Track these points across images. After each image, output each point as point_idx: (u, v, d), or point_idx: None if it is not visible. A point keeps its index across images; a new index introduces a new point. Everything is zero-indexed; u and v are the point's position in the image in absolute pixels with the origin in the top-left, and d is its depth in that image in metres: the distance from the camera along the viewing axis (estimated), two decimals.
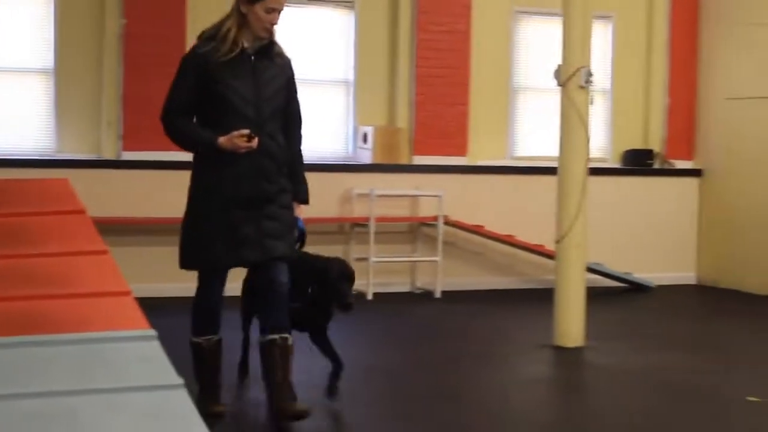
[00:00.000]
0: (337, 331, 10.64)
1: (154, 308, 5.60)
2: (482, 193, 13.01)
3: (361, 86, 12.86)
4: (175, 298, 11.62)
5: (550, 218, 9.78)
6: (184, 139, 6.67)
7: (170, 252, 11.92)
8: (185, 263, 6.75)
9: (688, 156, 14.24)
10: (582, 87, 9.38)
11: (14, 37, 11.99)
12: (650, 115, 14.20)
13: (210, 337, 6.82)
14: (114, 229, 11.14)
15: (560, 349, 9.46)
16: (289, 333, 6.67)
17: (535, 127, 13.53)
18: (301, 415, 6.58)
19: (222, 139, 6.35)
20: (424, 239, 12.93)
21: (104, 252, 7.02)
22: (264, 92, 6.51)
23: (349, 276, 7.08)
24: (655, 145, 14.18)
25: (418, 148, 12.99)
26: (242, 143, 6.32)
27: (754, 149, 13.30)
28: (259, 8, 6.33)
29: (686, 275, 14.11)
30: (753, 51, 13.35)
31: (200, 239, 6.57)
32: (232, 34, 6.38)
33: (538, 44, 13.46)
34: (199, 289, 6.82)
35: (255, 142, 6.34)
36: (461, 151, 13.06)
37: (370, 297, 12.05)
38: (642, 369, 8.95)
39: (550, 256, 11.15)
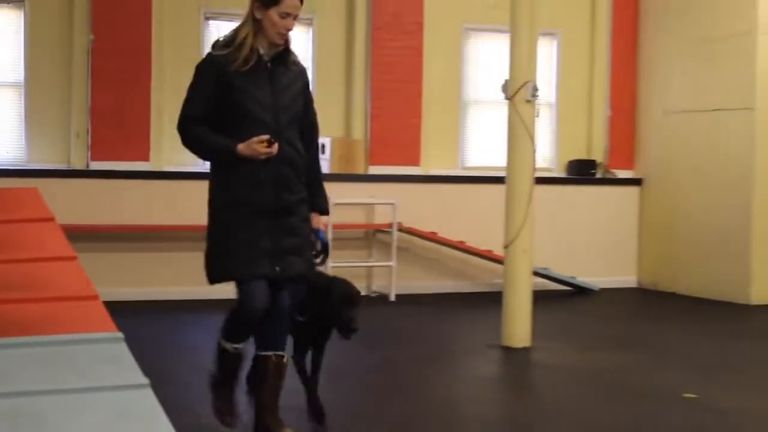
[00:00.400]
0: None
1: (120, 311, 5.57)
2: (435, 201, 13.03)
3: (321, 99, 12.82)
4: (141, 301, 11.60)
5: (499, 225, 9.79)
6: (202, 148, 6.27)
7: (135, 257, 11.98)
8: (210, 274, 6.29)
9: (629, 166, 14.30)
10: (528, 100, 9.40)
11: None
12: (593, 128, 14.26)
13: (237, 346, 6.30)
14: (82, 236, 11.07)
15: (508, 349, 9.48)
16: (285, 351, 6.32)
17: (485, 138, 13.56)
18: None
19: (241, 146, 5.94)
20: (380, 245, 12.94)
21: (73, 258, 6.97)
22: (281, 99, 6.11)
23: (353, 300, 6.45)
24: (598, 155, 14.24)
25: (373, 159, 12.99)
26: (262, 149, 5.90)
27: (689, 160, 13.38)
28: (273, 13, 5.94)
29: (627, 279, 14.17)
30: (688, 67, 13.43)
31: (225, 250, 6.13)
32: (249, 41, 6.01)
33: (487, 60, 13.50)
34: (239, 301, 6.22)
35: (275, 147, 5.93)
36: (415, 161, 13.08)
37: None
38: (585, 368, 8.97)
39: (499, 261, 11.16)
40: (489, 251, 12.65)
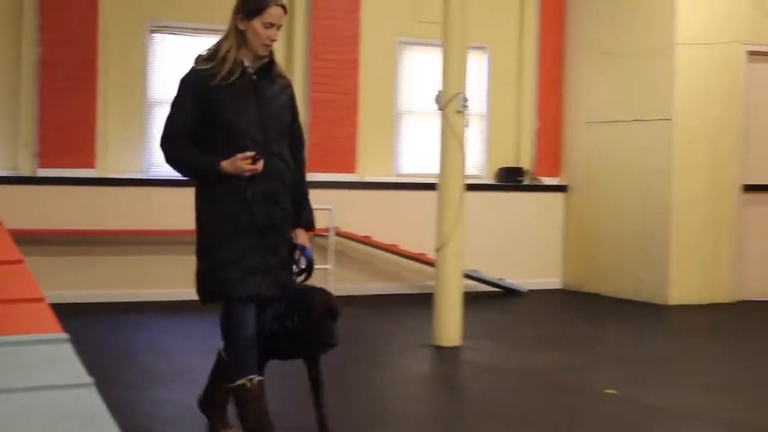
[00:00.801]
0: None
1: (66, 313, 5.52)
2: (370, 206, 13.02)
3: None
4: (87, 303, 11.51)
5: (431, 229, 9.80)
6: (185, 166, 5.80)
7: (80, 261, 11.89)
8: (201, 292, 5.85)
9: (555, 173, 14.38)
10: (459, 111, 9.43)
11: None
12: (521, 137, 14.32)
13: (252, 377, 5.68)
14: (30, 240, 10.97)
15: (439, 349, 9.50)
16: (261, 374, 5.82)
17: (418, 147, 13.57)
18: None
19: (225, 163, 5.54)
20: (317, 249, 12.84)
21: (20, 261, 6.90)
22: (269, 112, 5.72)
23: (333, 312, 5.89)
24: (525, 163, 14.30)
25: (311, 166, 12.92)
26: (246, 166, 5.52)
27: (611, 167, 13.48)
28: (257, 23, 5.59)
29: (553, 281, 14.24)
30: (610, 80, 13.53)
31: (214, 266, 5.70)
32: (232, 54, 5.64)
33: (420, 72, 13.53)
34: (228, 325, 5.81)
35: (260, 164, 5.53)
36: (351, 168, 13.06)
37: None
38: (513, 366, 9.01)
39: (431, 263, 11.18)
40: (421, 254, 12.66)
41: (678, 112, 12.64)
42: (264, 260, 5.66)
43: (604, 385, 8.12)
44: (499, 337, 10.34)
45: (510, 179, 14.05)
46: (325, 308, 5.85)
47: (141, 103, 12.42)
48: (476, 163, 13.87)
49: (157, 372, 8.42)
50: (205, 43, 12.36)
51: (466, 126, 9.64)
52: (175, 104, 5.79)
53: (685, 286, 12.74)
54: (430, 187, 10.01)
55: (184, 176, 6.01)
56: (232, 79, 5.60)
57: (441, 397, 8.05)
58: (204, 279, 5.81)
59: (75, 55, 11.98)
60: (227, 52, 5.66)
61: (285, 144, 5.82)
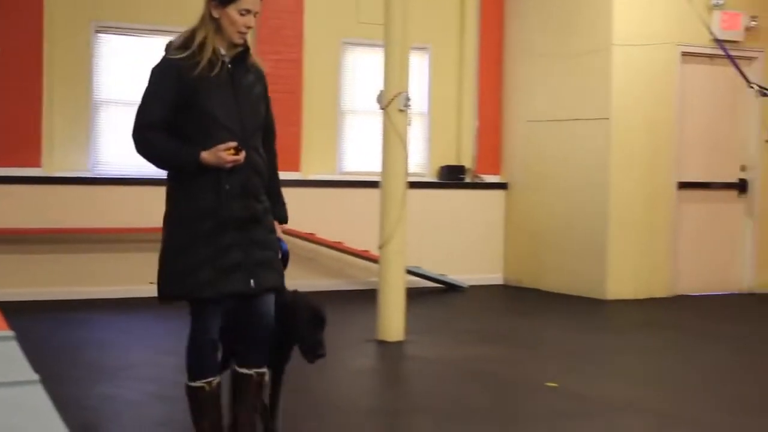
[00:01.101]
0: (179, 326, 10.55)
1: (12, 311, 5.46)
2: (314, 204, 12.98)
3: None
4: (34, 302, 11.40)
5: (375, 227, 9.80)
6: (161, 157, 5.38)
7: (26, 259, 11.77)
8: (165, 292, 5.43)
9: (495, 171, 14.43)
10: (401, 110, 9.43)
11: None
12: (462, 136, 14.35)
13: (211, 379, 5.40)
14: None
15: (383, 343, 9.50)
16: (267, 368, 5.60)
17: (361, 145, 13.56)
18: None
19: (205, 154, 5.17)
20: None
21: None
22: (245, 103, 5.38)
23: (321, 321, 5.56)
24: (467, 161, 14.33)
25: None
26: (229, 157, 5.17)
27: (551, 165, 13.54)
28: (232, 10, 5.22)
29: (494, 276, 14.29)
30: (549, 80, 13.59)
31: (185, 266, 5.27)
32: (210, 43, 5.25)
33: (363, 72, 13.52)
34: (192, 326, 5.41)
35: (242, 155, 5.21)
36: (295, 166, 12.99)
37: None
38: (455, 359, 9.02)
39: (374, 260, 11.17)
40: (365, 251, 12.66)
41: (615, 112, 12.72)
42: (248, 256, 5.30)
43: (544, 377, 8.15)
44: (441, 332, 10.36)
45: (451, 177, 14.08)
46: (311, 316, 5.56)
47: (86, 103, 12.31)
48: (418, 162, 13.89)
49: (102, 368, 8.35)
50: (149, 43, 12.43)
51: (409, 125, 9.64)
52: (149, 94, 5.36)
53: (623, 281, 12.83)
54: (373, 185, 10.02)
55: (159, 168, 5.53)
56: (215, 71, 5.25)
57: (385, 391, 8.04)
58: (172, 278, 5.37)
59: (20, 56, 11.87)
60: (204, 40, 5.28)
61: (260, 137, 5.51)
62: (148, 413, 6.98)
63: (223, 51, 5.32)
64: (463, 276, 13.73)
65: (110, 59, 12.46)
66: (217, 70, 5.27)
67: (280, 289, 5.53)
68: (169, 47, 5.40)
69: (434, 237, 13.59)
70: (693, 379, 8.45)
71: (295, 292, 5.76)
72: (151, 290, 12.76)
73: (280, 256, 5.55)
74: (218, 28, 5.28)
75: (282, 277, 5.51)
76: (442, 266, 13.60)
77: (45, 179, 11.94)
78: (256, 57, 5.59)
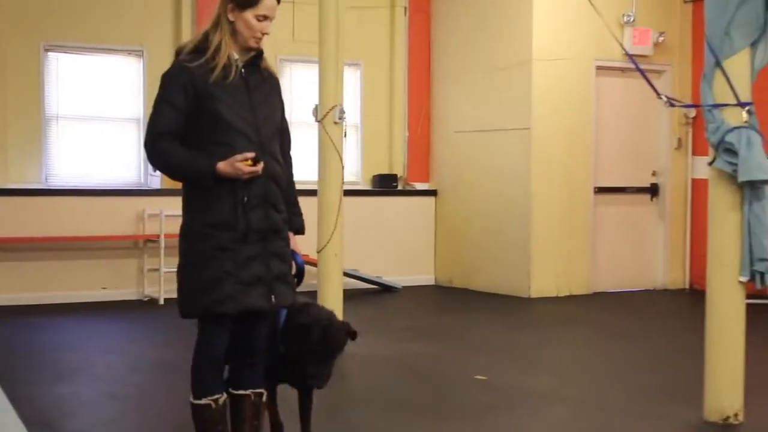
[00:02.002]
0: (131, 328, 10.47)
1: None
2: None
3: None
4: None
5: (313, 232, 9.78)
6: (175, 168, 4.90)
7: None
8: (187, 309, 4.89)
9: (425, 179, 14.45)
10: (336, 122, 9.40)
11: None
12: (394, 146, 14.36)
13: (217, 396, 4.97)
14: None
15: None
16: (263, 387, 5.19)
17: (299, 155, 13.47)
18: None
19: (221, 165, 4.72)
20: None
21: None
22: (261, 109, 4.94)
23: (336, 346, 5.24)
24: (399, 170, 14.34)
25: None
26: (246, 168, 4.73)
27: (477, 173, 13.58)
28: (249, 15, 4.83)
29: (426, 277, 14.30)
30: (475, 92, 13.64)
31: (205, 280, 4.79)
32: (224, 48, 4.83)
33: (299, 86, 13.48)
34: (201, 342, 4.95)
35: (260, 166, 4.76)
36: None
37: (161, 302, 11.87)
38: (392, 356, 9.03)
39: (313, 263, 11.12)
40: (305, 255, 12.58)
41: (535, 122, 12.79)
42: (268, 269, 4.89)
43: (473, 371, 8.19)
44: (378, 330, 10.35)
45: (384, 185, 14.08)
46: (325, 338, 5.19)
47: (38, 118, 12.19)
48: (353, 171, 13.88)
49: (58, 369, 8.26)
50: (96, 60, 12.34)
51: (343, 136, 9.63)
52: (161, 101, 4.88)
53: (545, 280, 12.90)
54: (311, 193, 9.99)
55: (172, 179, 5.06)
56: (231, 78, 4.84)
57: (328, 388, 8.04)
58: (192, 295, 4.87)
59: None
60: (219, 44, 4.86)
61: (277, 144, 5.05)
62: (102, 411, 6.92)
63: (236, 55, 4.91)
64: (397, 277, 13.73)
65: (60, 76, 12.37)
66: (231, 75, 4.86)
67: (293, 306, 5.19)
68: (180, 52, 4.96)
69: (369, 241, 13.58)
70: (607, 370, 8.54)
71: (311, 307, 5.41)
72: (103, 294, 12.68)
73: (294, 270, 5.14)
74: (233, 32, 4.88)
75: (294, 292, 5.11)
76: (378, 269, 13.59)
77: (0, 191, 11.80)
78: (269, 61, 5.13)
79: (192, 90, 4.81)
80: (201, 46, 4.88)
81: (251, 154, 4.75)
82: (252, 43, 4.90)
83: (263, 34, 4.90)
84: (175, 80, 4.86)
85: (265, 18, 4.88)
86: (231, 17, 4.86)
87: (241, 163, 4.73)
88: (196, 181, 4.83)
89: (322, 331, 5.22)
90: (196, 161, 4.79)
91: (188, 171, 4.85)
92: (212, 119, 4.81)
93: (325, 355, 5.22)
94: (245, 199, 4.82)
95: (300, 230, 5.21)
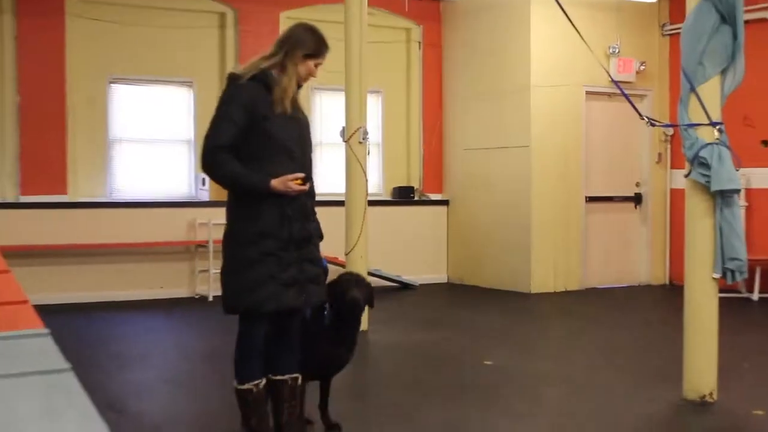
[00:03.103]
0: (184, 322, 10.48)
1: (47, 313, 5.42)
2: None
3: (201, 143, 12.67)
4: (62, 304, 11.32)
5: (341, 237, 9.80)
6: (233, 180, 4.90)
7: (57, 270, 11.69)
8: (231, 306, 4.97)
9: (438, 190, 14.45)
10: (360, 142, 9.43)
11: None
12: (411, 162, 14.37)
13: (258, 381, 5.04)
14: (14, 254, 10.76)
15: None
16: (297, 372, 5.23)
17: (329, 171, 13.53)
18: None
19: (275, 182, 4.80)
20: None
21: (6, 271, 6.77)
22: (303, 134, 5.08)
23: (362, 279, 5.59)
24: (415, 182, 14.35)
25: None
26: (296, 186, 4.84)
27: (483, 185, 13.58)
28: (311, 62, 5.01)
29: (440, 276, 14.28)
30: (481, 115, 13.63)
31: (249, 281, 4.86)
32: (288, 84, 4.97)
33: (329, 111, 13.49)
34: (243, 334, 5.03)
35: (308, 186, 4.93)
36: None
37: (210, 299, 11.89)
38: (410, 344, 9.02)
39: (342, 264, 11.15)
40: (335, 257, 12.61)
41: (533, 140, 12.78)
42: (301, 272, 4.96)
43: (483, 357, 8.18)
44: (398, 322, 10.36)
45: (403, 196, 14.09)
46: (353, 278, 5.50)
47: (103, 141, 12.27)
48: (375, 183, 13.89)
49: (123, 358, 8.30)
50: (153, 91, 12.41)
51: (367, 154, 9.65)
52: (222, 118, 4.90)
53: (543, 277, 12.87)
54: (339, 203, 10.02)
55: (225, 188, 5.05)
56: (284, 106, 4.93)
57: (353, 371, 8.01)
58: (237, 293, 4.92)
59: (48, 103, 11.84)
60: (290, 82, 4.98)
61: (312, 163, 5.21)
62: (160, 395, 6.95)
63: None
64: (415, 276, 13.72)
65: (122, 105, 12.45)
66: (285, 105, 4.95)
67: (322, 303, 5.26)
68: (237, 77, 4.97)
69: (390, 244, 13.59)
70: (597, 355, 8.51)
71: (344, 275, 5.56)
72: (160, 293, 12.72)
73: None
74: (292, 71, 4.99)
75: (323, 290, 5.19)
76: (397, 268, 13.59)
77: (70, 204, 11.88)
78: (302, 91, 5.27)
79: (251, 111, 4.86)
80: (259, 77, 4.94)
81: (301, 175, 4.88)
82: (303, 82, 5.08)
83: (314, 75, 5.12)
84: (239, 100, 4.89)
85: (320, 65, 5.09)
86: (297, 61, 4.98)
87: (292, 182, 4.83)
88: (248, 192, 4.88)
89: (350, 275, 5.63)
90: (252, 176, 4.84)
91: (244, 183, 4.87)
92: (265, 137, 4.88)
93: (359, 283, 5.44)
94: (289, 213, 4.90)
95: (321, 236, 5.23)
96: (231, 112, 4.88)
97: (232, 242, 4.97)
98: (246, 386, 5.03)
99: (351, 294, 5.30)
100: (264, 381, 5.09)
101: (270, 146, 4.89)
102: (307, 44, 5.03)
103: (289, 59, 4.99)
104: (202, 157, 4.95)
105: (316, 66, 5.07)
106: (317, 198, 5.29)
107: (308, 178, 4.95)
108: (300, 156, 5.01)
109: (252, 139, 4.88)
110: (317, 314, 5.43)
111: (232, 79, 5.00)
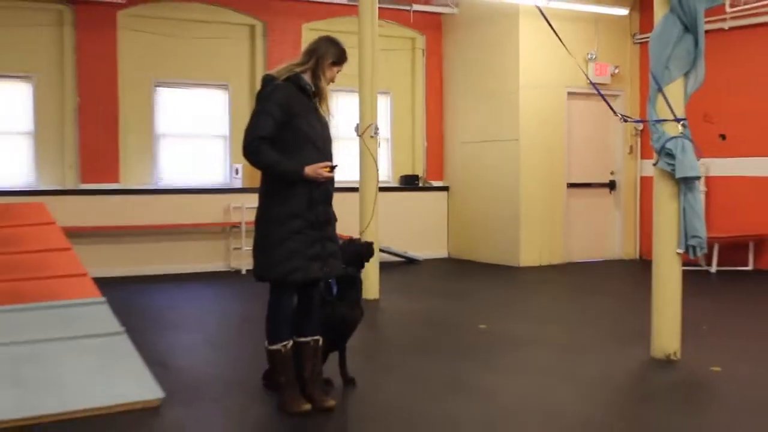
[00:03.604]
0: (220, 291, 10.49)
1: (104, 284, 5.45)
2: None
3: (235, 138, 12.71)
4: (117, 277, 11.35)
5: (356, 219, 9.81)
6: (272, 166, 4.93)
7: (112, 248, 11.72)
8: (263, 274, 5.03)
9: (440, 178, 14.42)
10: (372, 136, 9.42)
11: (8, 111, 11.60)
12: (415, 153, 14.34)
13: (286, 342, 5.11)
14: (75, 234, 10.79)
15: (364, 300, 9.46)
16: (320, 335, 5.29)
17: (344, 161, 13.45)
18: (329, 409, 5.14)
19: (308, 169, 4.91)
20: None
21: (69, 248, 6.76)
22: (325, 129, 5.19)
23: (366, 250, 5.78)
24: (419, 171, 14.33)
25: None
26: (325, 173, 4.96)
27: (478, 173, 13.55)
28: (336, 68, 5.19)
29: (441, 252, 14.27)
30: (477, 112, 13.60)
31: (280, 255, 4.94)
32: (322, 85, 5.16)
33: (345, 110, 13.45)
34: (273, 302, 5.11)
35: (335, 173, 5.09)
36: None
37: (243, 272, 11.90)
38: (416, 311, 9.02)
39: None
40: (350, 237, 12.61)
41: (522, 135, 12.74)
42: (324, 248, 5.05)
43: (478, 322, 8.18)
44: (405, 292, 10.36)
45: (409, 183, 14.07)
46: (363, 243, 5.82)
47: (150, 136, 12.27)
48: (385, 172, 13.87)
49: (168, 322, 8.32)
50: (193, 93, 12.39)
51: (378, 147, 9.64)
52: (262, 113, 4.95)
53: (531, 253, 12.86)
54: (354, 190, 10.00)
55: (264, 172, 5.05)
56: (311, 104, 5.11)
57: (366, 335, 8.02)
58: (268, 265, 4.99)
59: (103, 103, 11.83)
60: (316, 82, 5.14)
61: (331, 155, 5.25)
62: (201, 354, 6.96)
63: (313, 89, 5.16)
64: (420, 252, 13.72)
65: (166, 105, 12.44)
66: (312, 103, 5.13)
67: (339, 275, 5.37)
68: (273, 78, 5.07)
69: (398, 225, 13.58)
70: (577, 320, 8.50)
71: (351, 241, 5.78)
72: (199, 266, 12.70)
73: None
74: (318, 75, 5.14)
75: (341, 265, 5.28)
76: (404, 245, 13.58)
77: (122, 190, 11.89)
78: None
79: (286, 107, 4.95)
80: (293, 79, 5.06)
81: (330, 163, 5.03)
82: (326, 84, 5.18)
83: (334, 81, 5.26)
84: (276, 98, 4.97)
85: (340, 70, 5.26)
86: (324, 67, 5.13)
87: (322, 169, 4.96)
88: (283, 177, 4.94)
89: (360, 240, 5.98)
90: (288, 164, 4.92)
91: (281, 169, 4.93)
92: (295, 131, 4.97)
93: (367, 244, 5.80)
94: (315, 196, 5.01)
95: (336, 219, 5.29)
96: (269, 108, 4.94)
97: (265, 222, 5.03)
98: (276, 347, 5.10)
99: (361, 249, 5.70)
100: (291, 342, 5.14)
101: (299, 139, 4.97)
102: (333, 53, 5.18)
103: (320, 66, 5.13)
104: (244, 147, 4.96)
105: (338, 71, 5.22)
106: (335, 185, 5.32)
107: (335, 166, 5.03)
108: (323, 147, 5.09)
109: (284, 132, 4.96)
110: (327, 288, 5.59)
111: (269, 80, 5.07)
